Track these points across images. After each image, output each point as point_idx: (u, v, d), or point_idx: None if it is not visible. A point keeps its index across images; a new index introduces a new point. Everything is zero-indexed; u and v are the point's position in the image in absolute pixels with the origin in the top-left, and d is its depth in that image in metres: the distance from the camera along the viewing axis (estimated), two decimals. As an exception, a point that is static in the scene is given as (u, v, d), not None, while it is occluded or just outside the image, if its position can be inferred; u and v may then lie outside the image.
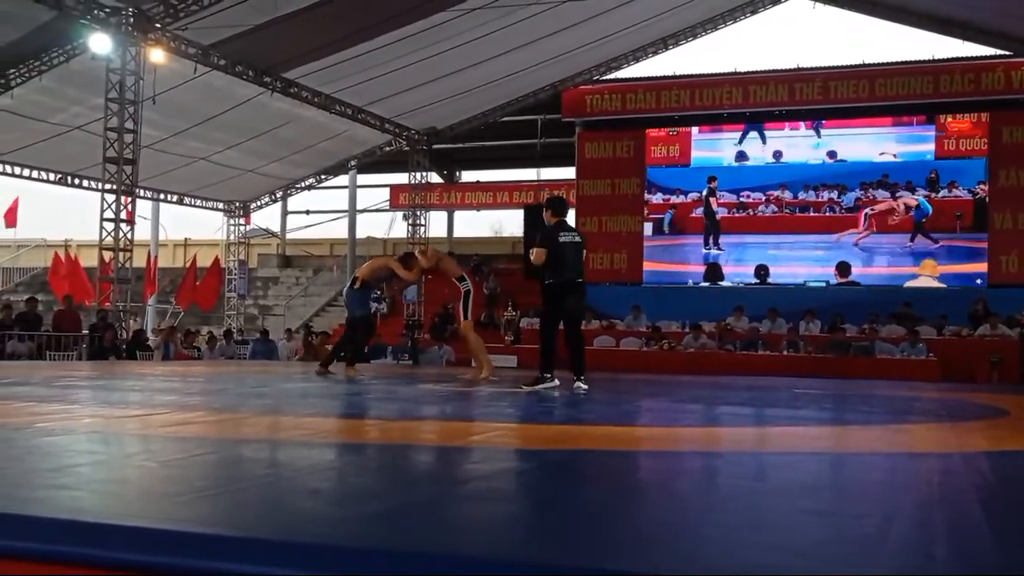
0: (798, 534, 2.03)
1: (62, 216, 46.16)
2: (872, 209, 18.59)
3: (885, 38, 45.87)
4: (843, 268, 18.65)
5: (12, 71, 15.11)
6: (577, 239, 7.82)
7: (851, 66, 19.12)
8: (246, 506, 2.23)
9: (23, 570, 1.74)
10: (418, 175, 22.26)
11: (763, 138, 19.51)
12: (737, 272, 19.46)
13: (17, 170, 18.05)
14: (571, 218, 20.82)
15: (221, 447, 3.48)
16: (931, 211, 18.23)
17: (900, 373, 13.81)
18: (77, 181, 18.97)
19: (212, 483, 2.63)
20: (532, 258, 7.69)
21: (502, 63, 17.96)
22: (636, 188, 20.03)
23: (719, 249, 19.49)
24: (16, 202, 25.08)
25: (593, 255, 20.10)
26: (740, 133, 19.72)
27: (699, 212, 19.68)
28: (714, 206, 19.45)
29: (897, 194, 18.50)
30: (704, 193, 19.55)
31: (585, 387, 7.33)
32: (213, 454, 3.26)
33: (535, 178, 25.38)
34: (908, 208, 18.44)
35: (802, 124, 19.39)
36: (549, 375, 7.55)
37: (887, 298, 17.66)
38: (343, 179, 24.76)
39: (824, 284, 18.70)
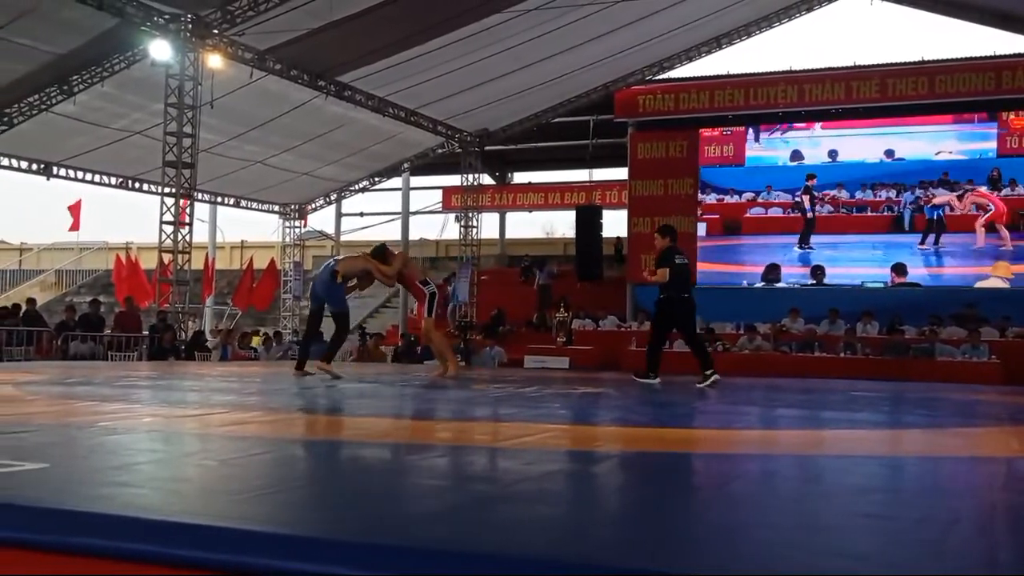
0: (855, 538, 2.00)
1: (123, 219, 47.20)
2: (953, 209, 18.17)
3: (945, 34, 44.99)
4: (899, 269, 18.30)
5: (75, 77, 15.46)
6: (686, 261, 9.31)
7: (910, 63, 18.77)
8: (303, 505, 2.25)
9: (88, 567, 1.78)
10: (470, 177, 22.34)
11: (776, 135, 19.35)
12: (792, 273, 19.21)
13: (80, 174, 18.47)
14: (623, 218, 20.88)
15: (278, 446, 3.53)
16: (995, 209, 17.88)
17: (961, 376, 13.49)
18: (137, 185, 19.34)
19: (269, 482, 2.66)
20: (655, 278, 9.01)
21: (554, 64, 17.94)
22: (689, 188, 19.87)
23: (810, 248, 19.16)
24: (79, 205, 25.74)
25: (646, 256, 19.98)
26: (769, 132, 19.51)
27: (756, 212, 19.48)
28: (806, 204, 19.10)
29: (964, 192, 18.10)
30: (800, 191, 19.17)
31: (716, 377, 8.59)
32: (270, 453, 3.30)
33: (587, 179, 25.33)
34: (986, 206, 18.03)
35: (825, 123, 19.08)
36: (654, 374, 8.85)
37: (948, 299, 17.29)
38: (396, 181, 24.94)
39: (882, 285, 18.37)
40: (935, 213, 18.26)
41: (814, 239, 19.04)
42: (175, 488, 2.48)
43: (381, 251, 9.49)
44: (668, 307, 8.95)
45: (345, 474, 2.94)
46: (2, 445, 3.10)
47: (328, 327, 9.98)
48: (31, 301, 16.54)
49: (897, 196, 18.54)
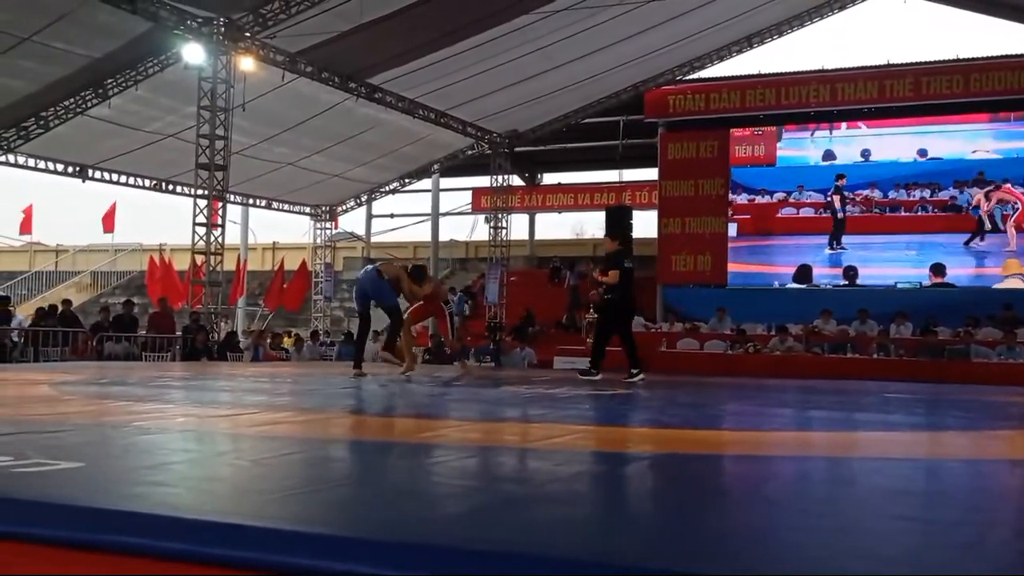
0: (890, 541, 1.98)
1: (156, 221, 47.68)
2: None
3: (979, 32, 44.46)
4: (938, 269, 18.07)
5: (110, 81, 15.65)
6: (632, 266, 9.75)
7: (944, 61, 18.55)
8: (334, 505, 2.27)
9: (121, 564, 1.80)
10: (500, 178, 22.36)
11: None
12: (825, 274, 19.05)
13: (115, 176, 18.69)
14: (654, 219, 20.80)
15: (310, 446, 3.55)
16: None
17: (997, 378, 13.27)
18: (171, 187, 19.54)
19: (301, 482, 2.68)
20: (607, 279, 9.37)
21: (584, 65, 17.92)
22: (720, 188, 19.76)
23: (842, 248, 18.99)
24: (114, 207, 26.06)
25: (676, 256, 19.97)
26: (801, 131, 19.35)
27: (788, 212, 19.34)
28: (837, 204, 18.91)
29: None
30: (831, 192, 18.98)
31: (642, 376, 9.13)
32: (302, 453, 3.32)
33: (617, 180, 25.26)
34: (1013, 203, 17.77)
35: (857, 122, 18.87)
36: (596, 371, 9.41)
37: (983, 300, 17.06)
38: (426, 183, 25.02)
39: (917, 285, 18.16)
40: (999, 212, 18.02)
41: (846, 239, 18.87)
42: (208, 487, 2.50)
43: (420, 272, 10.02)
44: (615, 309, 9.55)
45: (375, 474, 2.95)
46: (39, 444, 3.14)
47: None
48: (67, 302, 16.75)
49: (932, 196, 18.32)
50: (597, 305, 9.80)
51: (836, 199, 18.92)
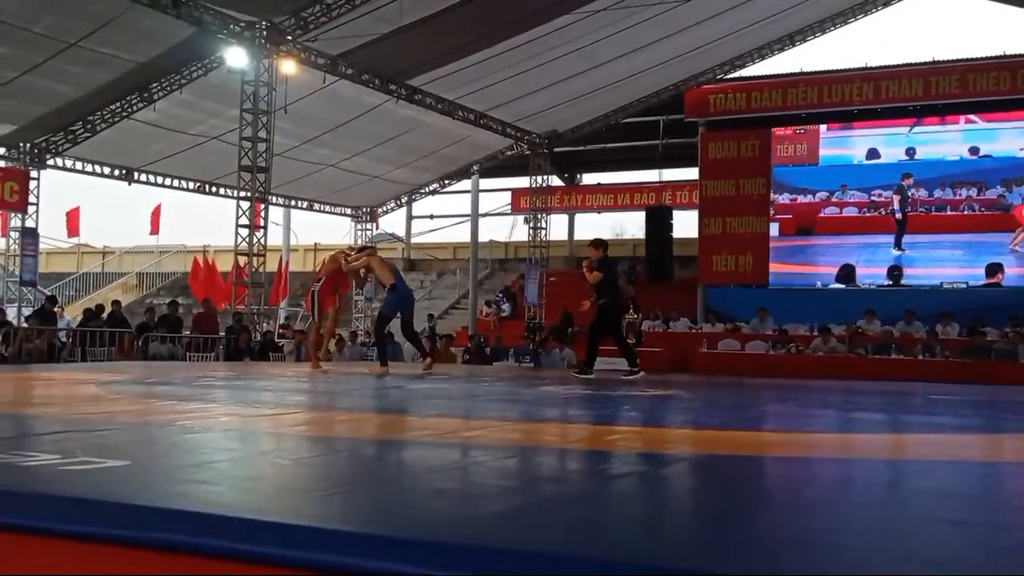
0: (935, 544, 1.95)
1: (200, 223, 48.26)
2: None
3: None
4: (992, 269, 17.71)
5: (155, 85, 15.88)
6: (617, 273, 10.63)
7: (991, 57, 18.23)
8: (375, 504, 2.27)
9: (165, 561, 1.82)
10: (539, 178, 22.35)
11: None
12: (869, 274, 18.80)
13: (159, 179, 18.97)
14: (694, 219, 20.69)
15: (350, 446, 3.57)
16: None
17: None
18: (214, 189, 19.79)
19: (342, 481, 2.69)
20: (591, 277, 10.02)
21: (623, 64, 17.85)
22: (762, 188, 19.60)
23: (901, 251, 18.70)
24: (159, 209, 26.42)
25: (717, 257, 19.83)
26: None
27: (831, 212, 19.13)
28: (895, 204, 18.56)
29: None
30: (895, 191, 18.65)
31: (642, 373, 9.79)
32: (343, 452, 3.34)
33: (657, 179, 25.13)
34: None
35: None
36: (590, 368, 9.94)
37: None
38: (466, 184, 25.07)
39: (964, 285, 17.85)
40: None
41: (891, 238, 18.59)
42: (250, 486, 2.53)
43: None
44: (607, 312, 10.14)
45: (415, 473, 2.96)
46: (87, 442, 3.20)
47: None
48: (116, 303, 17.04)
49: (979, 195, 18.00)
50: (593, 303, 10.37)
51: (896, 199, 18.52)
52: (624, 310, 11.10)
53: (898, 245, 18.60)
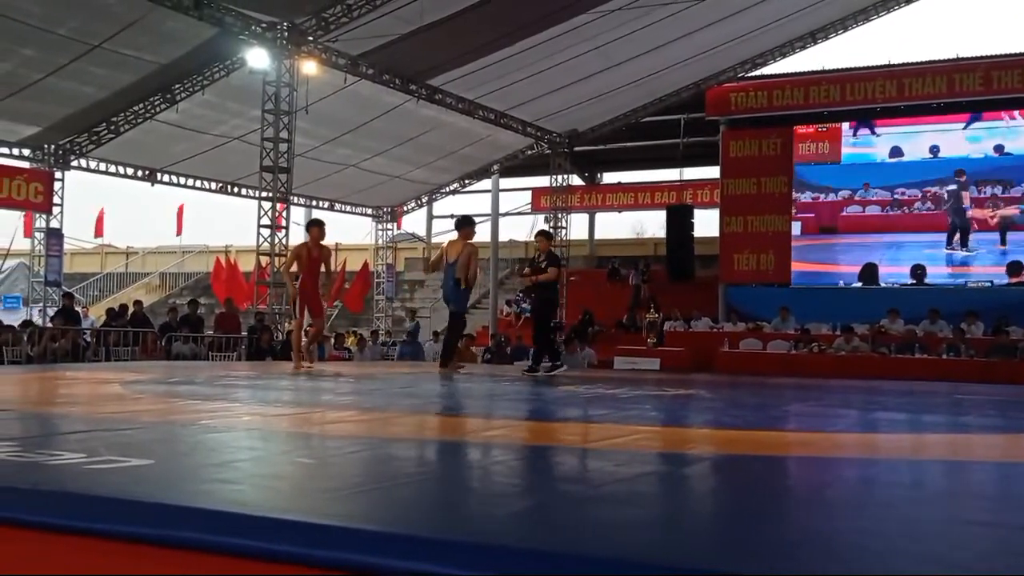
0: (958, 545, 1.93)
1: (223, 223, 48.58)
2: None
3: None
4: (1014, 268, 17.53)
5: (178, 86, 16.00)
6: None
7: (1015, 54, 18.03)
8: (397, 503, 2.28)
9: (188, 560, 1.83)
10: (559, 178, 22.34)
11: (872, 131, 18.79)
12: (891, 273, 18.64)
13: (182, 180, 19.10)
14: (715, 218, 20.61)
15: (373, 445, 3.58)
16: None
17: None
18: (236, 189, 19.90)
19: (365, 480, 2.70)
20: (545, 277, 9.95)
21: (643, 63, 17.81)
22: (783, 187, 19.48)
23: (967, 250, 18.30)
24: (181, 210, 26.61)
25: (738, 255, 19.74)
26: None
27: (853, 211, 19.00)
28: (965, 202, 18.15)
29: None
30: (954, 188, 18.24)
31: (564, 367, 10.23)
32: (366, 452, 3.35)
33: (677, 178, 25.06)
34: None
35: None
36: (552, 363, 10.01)
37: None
38: (486, 183, 25.09)
39: (988, 284, 17.67)
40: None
41: (914, 237, 18.38)
42: (272, 485, 2.54)
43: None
44: (550, 306, 10.44)
45: (437, 473, 2.96)
46: (110, 441, 3.22)
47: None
48: (139, 304, 17.16)
49: (1004, 192, 17.80)
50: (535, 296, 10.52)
51: (966, 196, 18.10)
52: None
53: (952, 242, 18.29)
